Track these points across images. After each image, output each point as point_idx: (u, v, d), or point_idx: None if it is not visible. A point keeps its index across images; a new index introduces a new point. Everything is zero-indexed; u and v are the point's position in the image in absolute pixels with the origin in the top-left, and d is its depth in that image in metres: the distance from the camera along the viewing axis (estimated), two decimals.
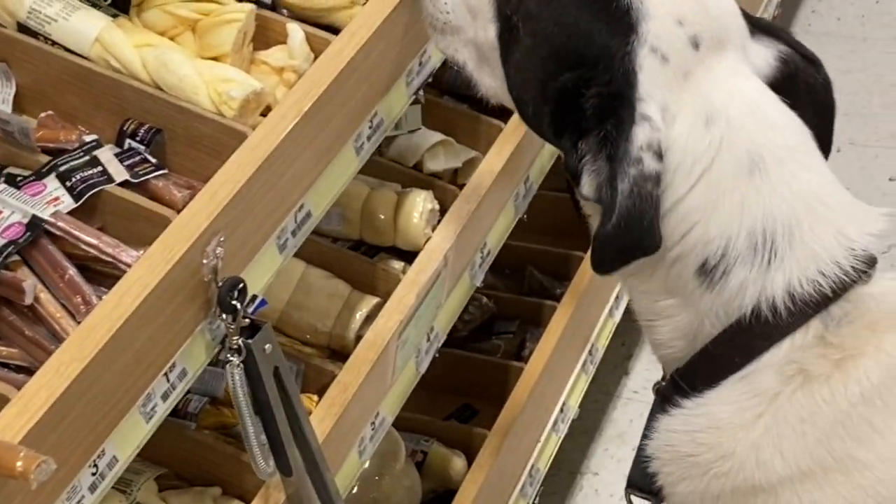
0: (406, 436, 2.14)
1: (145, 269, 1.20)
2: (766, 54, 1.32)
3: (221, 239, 1.28)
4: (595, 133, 1.22)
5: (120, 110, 1.40)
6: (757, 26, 1.33)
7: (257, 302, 1.39)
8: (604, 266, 1.26)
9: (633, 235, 1.20)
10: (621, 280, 1.35)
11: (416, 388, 1.85)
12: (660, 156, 1.21)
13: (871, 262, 1.27)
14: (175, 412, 1.60)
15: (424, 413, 2.30)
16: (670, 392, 1.32)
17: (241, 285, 1.30)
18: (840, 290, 1.25)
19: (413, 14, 1.61)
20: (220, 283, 1.29)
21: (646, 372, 2.78)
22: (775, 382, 1.25)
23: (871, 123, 3.30)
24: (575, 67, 1.25)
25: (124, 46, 1.38)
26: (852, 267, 1.25)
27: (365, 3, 1.54)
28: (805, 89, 1.33)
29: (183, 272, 1.25)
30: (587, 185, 1.24)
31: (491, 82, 1.39)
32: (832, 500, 1.22)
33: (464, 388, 2.37)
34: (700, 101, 1.23)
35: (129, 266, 1.23)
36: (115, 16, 1.44)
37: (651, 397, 2.80)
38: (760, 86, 1.28)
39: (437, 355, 1.86)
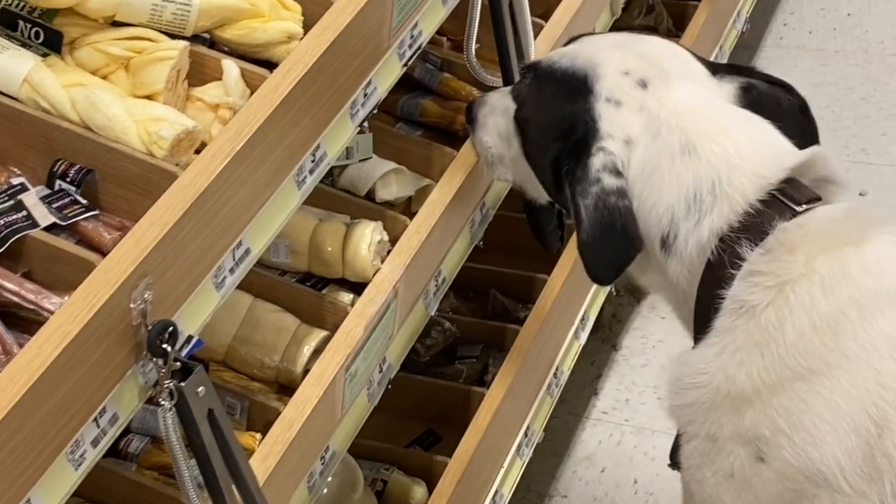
0: (366, 464, 2.13)
1: (67, 317, 1.19)
2: (727, 88, 1.56)
3: (150, 282, 1.27)
4: (564, 175, 1.53)
5: (50, 151, 1.38)
6: (719, 68, 1.58)
7: (193, 343, 1.38)
8: (598, 274, 1.52)
9: (611, 242, 1.47)
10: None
11: (379, 414, 1.84)
12: (618, 173, 1.48)
13: (797, 194, 1.43)
14: (116, 453, 1.58)
15: (388, 439, 2.29)
16: None
17: (171, 328, 1.28)
18: (757, 221, 1.42)
19: (355, 47, 1.60)
20: (150, 327, 1.28)
21: (615, 392, 2.77)
22: (728, 319, 1.43)
23: (841, 137, 3.29)
24: (558, 139, 1.55)
25: (53, 87, 1.37)
26: (760, 201, 1.43)
27: (302, 38, 1.52)
28: (775, 109, 1.54)
29: (108, 317, 1.23)
30: (573, 216, 1.51)
31: (531, 185, 1.71)
32: (797, 405, 1.36)
33: (427, 414, 2.36)
34: (651, 123, 1.51)
35: (51, 313, 1.21)
36: (46, 55, 1.43)
37: (619, 418, 2.81)
38: (706, 96, 1.53)
39: (389, 386, 1.85)
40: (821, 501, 1.34)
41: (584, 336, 2.51)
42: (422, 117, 2.09)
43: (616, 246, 1.47)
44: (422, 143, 2.01)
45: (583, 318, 2.50)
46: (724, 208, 1.44)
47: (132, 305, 1.25)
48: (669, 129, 1.49)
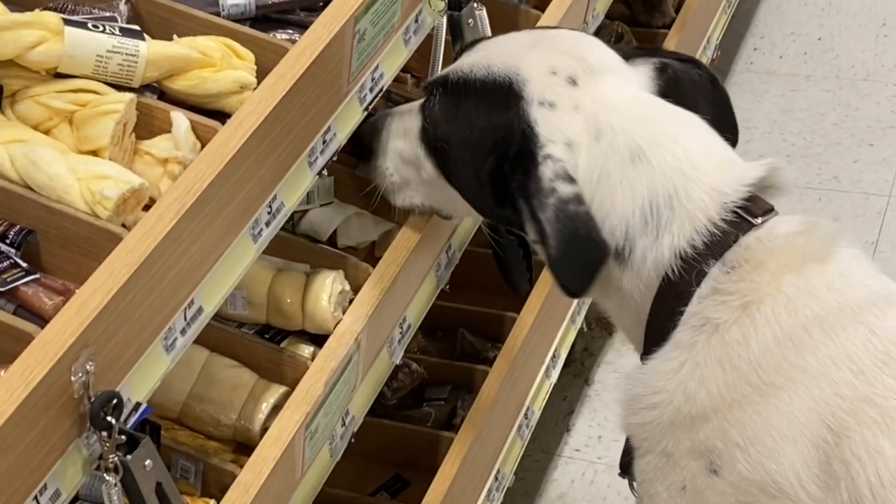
0: None
1: (1, 395, 1.12)
2: (642, 71, 1.53)
3: (92, 352, 1.20)
4: (516, 189, 1.44)
5: None
6: (629, 54, 1.55)
7: (140, 411, 1.31)
8: (572, 286, 1.45)
9: (579, 250, 1.42)
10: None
11: (345, 459, 1.78)
12: (571, 179, 1.42)
13: (754, 207, 1.42)
14: None
15: (354, 485, 2.23)
16: None
17: (115, 400, 1.22)
18: (718, 241, 1.40)
19: (311, 95, 1.54)
20: (93, 399, 1.21)
21: (587, 429, 2.72)
22: (689, 335, 1.41)
23: (813, 165, 3.25)
24: (491, 151, 1.48)
25: None
26: (723, 219, 1.41)
27: (256, 88, 1.46)
28: (690, 86, 1.54)
29: (47, 393, 1.16)
30: (530, 232, 1.45)
31: (449, 206, 1.64)
32: (752, 418, 1.36)
33: (395, 459, 2.29)
34: (590, 123, 1.46)
35: None
36: None
37: (592, 456, 2.75)
38: (636, 93, 1.50)
39: (353, 440, 1.78)
40: None
41: (555, 374, 2.46)
42: None
43: (586, 254, 1.42)
44: None
45: (553, 356, 2.45)
46: (685, 226, 1.41)
47: (73, 378, 1.18)
48: (613, 131, 1.44)
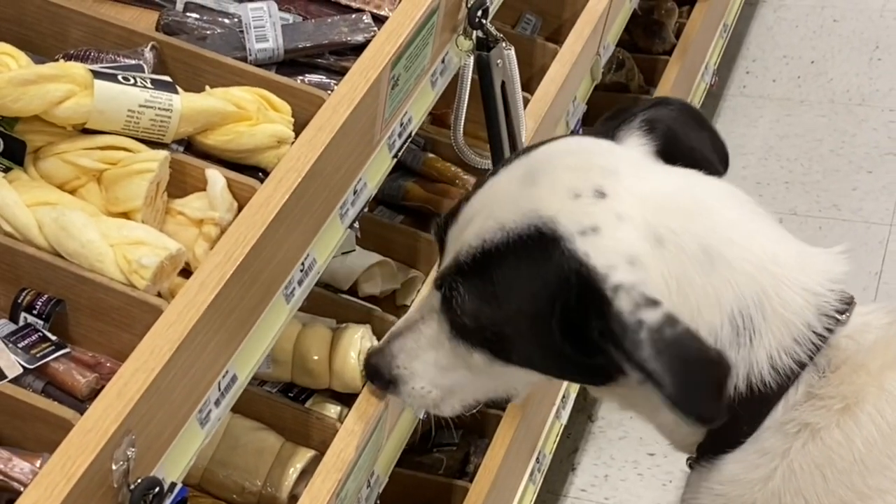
0: None
1: (42, 491, 1.03)
2: (634, 143, 1.37)
3: (133, 438, 1.11)
4: (600, 339, 1.24)
5: (14, 279, 1.22)
6: (606, 131, 1.39)
7: (176, 492, 1.22)
8: (707, 414, 1.26)
9: (698, 376, 1.23)
10: (635, 412, 1.38)
11: None
12: (654, 302, 1.23)
13: (846, 305, 1.32)
14: None
15: None
16: (697, 463, 1.39)
17: (157, 489, 1.13)
18: (817, 348, 1.30)
19: (348, 146, 1.46)
20: (132, 486, 1.12)
21: (593, 468, 2.65)
22: (781, 441, 1.30)
23: (812, 192, 3.21)
24: (552, 311, 1.28)
25: (16, 207, 1.20)
26: (825, 328, 1.30)
27: (293, 142, 1.37)
28: (678, 126, 1.40)
29: (89, 485, 1.07)
30: (633, 375, 1.25)
31: (509, 388, 1.42)
32: None
33: None
34: (643, 230, 1.27)
35: (22, 484, 1.04)
36: (7, 169, 1.26)
37: (599, 496, 2.67)
38: (666, 178, 1.33)
39: (379, 499, 1.70)
40: None
41: (565, 415, 2.40)
42: (405, 200, 1.96)
43: (707, 376, 1.24)
44: (406, 231, 1.87)
45: (564, 396, 2.39)
46: (784, 336, 1.28)
47: (114, 467, 1.09)
48: (674, 233, 1.27)
